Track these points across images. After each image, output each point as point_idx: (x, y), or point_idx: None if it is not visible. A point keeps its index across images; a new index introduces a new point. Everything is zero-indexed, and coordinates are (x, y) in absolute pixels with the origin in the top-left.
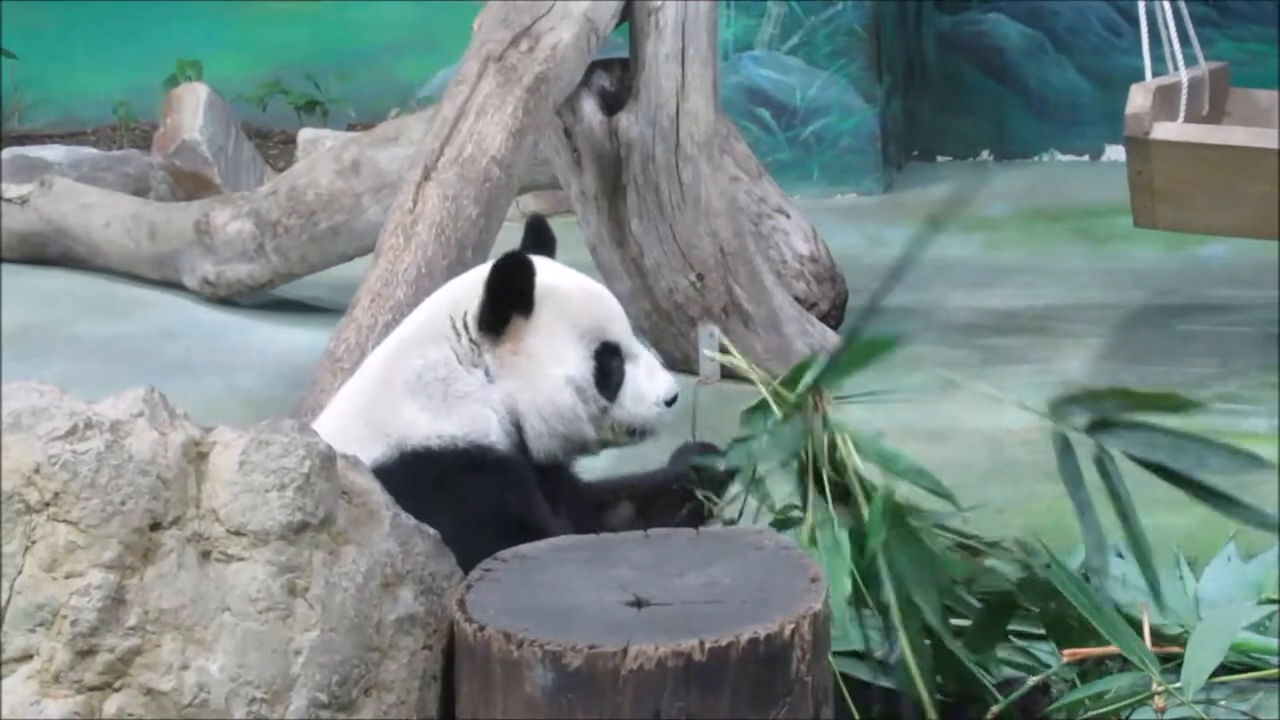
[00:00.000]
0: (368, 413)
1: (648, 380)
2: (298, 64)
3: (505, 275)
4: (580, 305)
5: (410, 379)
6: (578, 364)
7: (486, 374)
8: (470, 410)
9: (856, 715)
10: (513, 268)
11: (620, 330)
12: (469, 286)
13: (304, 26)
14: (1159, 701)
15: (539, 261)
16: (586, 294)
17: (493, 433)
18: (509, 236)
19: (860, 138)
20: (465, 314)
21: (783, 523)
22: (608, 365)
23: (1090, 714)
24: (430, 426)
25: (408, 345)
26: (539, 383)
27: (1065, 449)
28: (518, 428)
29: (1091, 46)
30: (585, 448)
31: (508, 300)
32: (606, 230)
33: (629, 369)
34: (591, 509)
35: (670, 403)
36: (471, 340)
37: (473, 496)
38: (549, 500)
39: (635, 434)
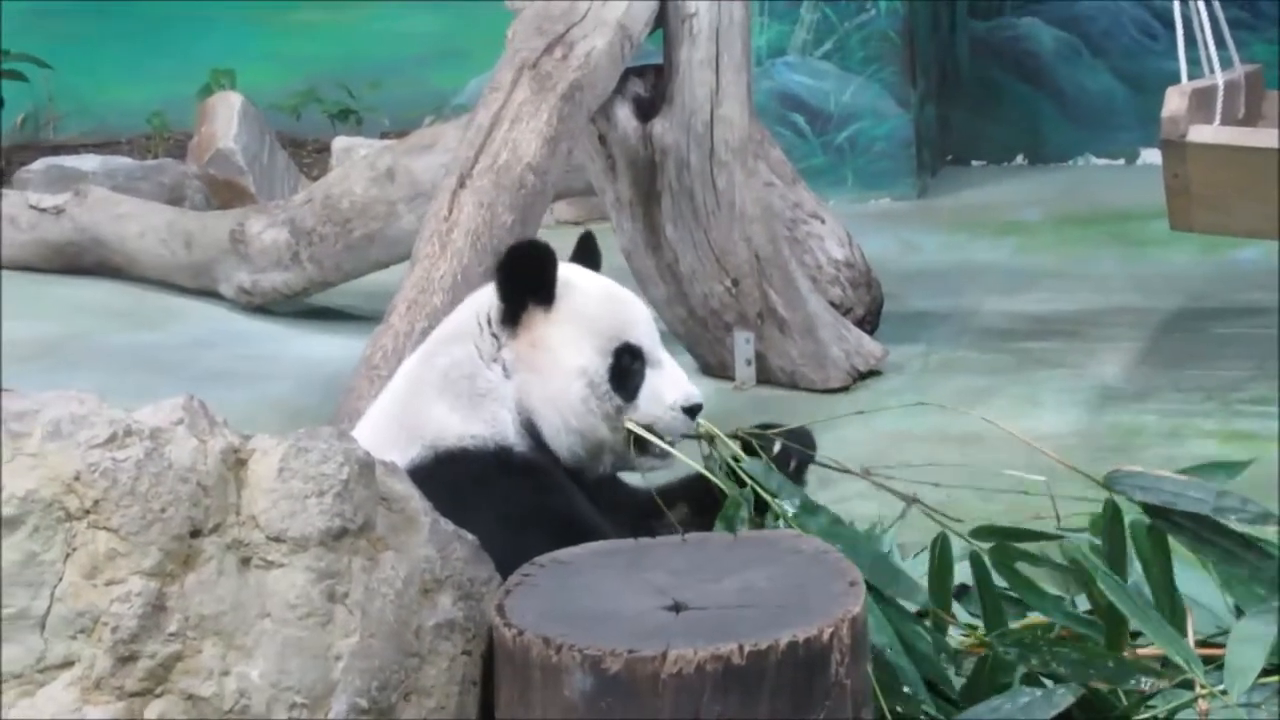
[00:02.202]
0: (402, 415)
1: (669, 386)
2: (331, 73)
3: (516, 261)
4: (603, 304)
5: (438, 379)
6: (592, 357)
7: (504, 369)
8: (491, 410)
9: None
10: (523, 253)
11: (644, 335)
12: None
13: (336, 36)
14: (1203, 704)
15: (571, 266)
16: (611, 295)
17: (510, 434)
18: None
19: (894, 143)
20: (489, 310)
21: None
22: (626, 366)
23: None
24: (461, 428)
25: (438, 345)
26: (551, 373)
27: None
28: (533, 427)
29: (1126, 50)
30: (600, 451)
31: (520, 286)
32: (641, 236)
33: (650, 373)
34: (641, 519)
35: (692, 411)
36: (493, 334)
37: (513, 497)
38: (592, 504)
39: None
